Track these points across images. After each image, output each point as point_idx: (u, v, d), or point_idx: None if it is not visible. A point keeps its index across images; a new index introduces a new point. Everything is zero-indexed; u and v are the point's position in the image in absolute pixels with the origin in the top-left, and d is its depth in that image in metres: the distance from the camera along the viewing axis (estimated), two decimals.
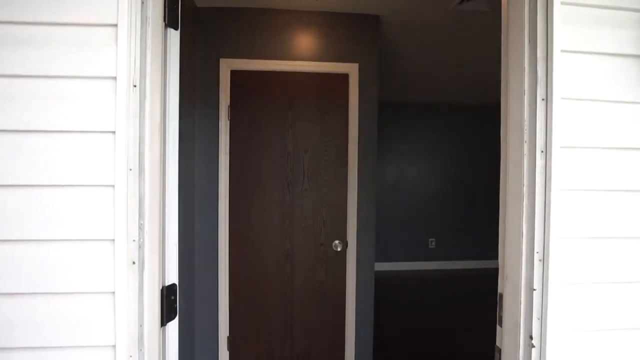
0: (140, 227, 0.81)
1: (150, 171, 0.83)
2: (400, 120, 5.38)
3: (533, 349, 0.89)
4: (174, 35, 0.97)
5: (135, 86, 0.80)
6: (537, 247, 0.89)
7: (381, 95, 4.79)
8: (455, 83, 4.26)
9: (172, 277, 1.00)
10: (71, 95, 0.78)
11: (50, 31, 0.78)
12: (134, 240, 0.80)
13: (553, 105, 0.87)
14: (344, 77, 2.34)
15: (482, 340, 3.12)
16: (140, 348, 0.82)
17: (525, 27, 0.91)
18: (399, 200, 5.37)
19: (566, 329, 0.89)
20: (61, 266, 0.78)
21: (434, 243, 5.43)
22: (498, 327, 1.05)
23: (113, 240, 0.79)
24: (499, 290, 1.06)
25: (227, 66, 2.29)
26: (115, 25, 0.78)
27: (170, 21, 0.93)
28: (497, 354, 1.06)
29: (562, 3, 0.88)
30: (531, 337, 0.90)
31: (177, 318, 1.01)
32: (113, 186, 0.79)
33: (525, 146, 0.91)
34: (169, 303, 0.97)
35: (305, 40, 2.35)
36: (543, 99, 0.89)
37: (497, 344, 1.06)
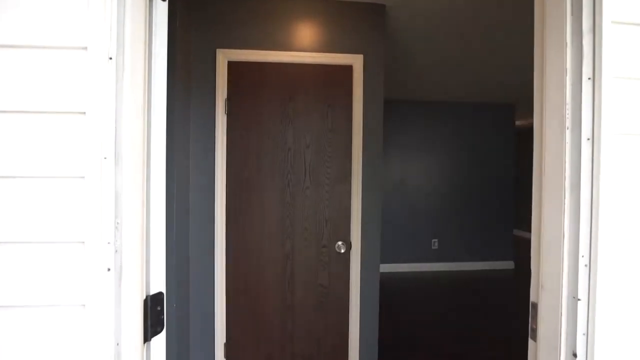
0: (117, 227, 0.68)
1: (130, 161, 0.70)
2: (402, 118, 5.26)
3: None
4: (161, 6, 0.84)
5: (111, 59, 0.67)
6: (583, 250, 0.77)
7: (385, 92, 4.67)
8: (463, 80, 4.13)
9: (159, 285, 0.87)
10: (32, 68, 0.65)
11: None
12: (108, 243, 0.67)
13: (602, 85, 0.75)
14: (348, 69, 2.21)
15: (492, 347, 3.01)
16: None
17: None
18: (401, 200, 5.25)
19: (618, 346, 0.77)
20: (18, 275, 0.65)
21: (437, 244, 5.31)
22: (531, 341, 0.92)
23: (83, 242, 0.65)
24: (532, 299, 0.93)
25: (224, 57, 2.16)
26: None
27: None
28: None
29: None
30: (575, 355, 0.77)
31: (164, 331, 0.88)
32: (83, 177, 0.66)
33: (567, 134, 0.78)
34: (155, 315, 0.84)
35: (306, 30, 2.22)
36: (589, 78, 0.77)
37: None
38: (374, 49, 2.26)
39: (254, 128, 2.18)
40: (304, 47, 2.21)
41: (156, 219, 0.86)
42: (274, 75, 2.19)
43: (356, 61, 2.22)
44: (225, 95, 2.17)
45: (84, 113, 0.65)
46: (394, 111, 5.22)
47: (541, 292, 0.87)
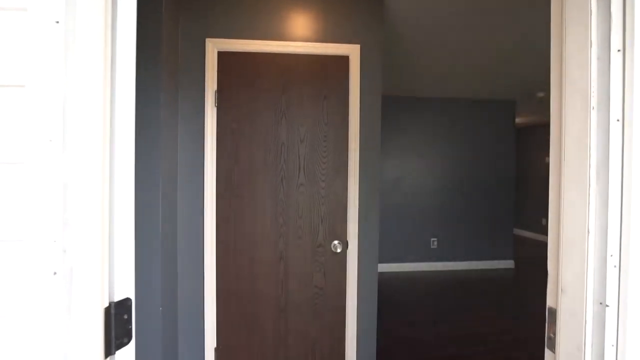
0: (66, 223, 0.57)
1: (83, 145, 0.60)
2: (401, 114, 5.17)
3: None
4: None
5: (58, 22, 0.57)
6: (611, 248, 0.67)
7: (383, 88, 4.59)
8: (463, 75, 4.04)
9: (126, 290, 0.76)
10: None
11: None
12: (54, 242, 0.56)
13: (635, 58, 0.65)
14: (344, 60, 2.11)
15: (495, 350, 2.92)
16: None
17: None
18: (399, 199, 5.15)
19: None
20: None
21: (435, 243, 5.22)
22: (548, 351, 0.82)
23: (21, 240, 0.55)
24: (549, 304, 0.82)
25: (214, 47, 2.06)
26: None
27: None
28: None
29: None
30: None
31: (133, 342, 0.78)
32: (22, 163, 0.55)
33: (593, 115, 0.68)
34: (120, 324, 0.74)
35: (300, 19, 2.12)
36: (619, 50, 0.67)
37: None
38: (372, 39, 2.15)
39: (246, 121, 2.07)
40: (298, 36, 2.11)
41: (122, 215, 0.75)
42: (267, 66, 2.08)
43: (353, 51, 2.12)
44: (215, 87, 2.06)
45: (23, 86, 0.55)
46: (392, 108, 5.12)
47: (561, 296, 0.77)
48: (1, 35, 0.55)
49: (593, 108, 0.68)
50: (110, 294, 0.72)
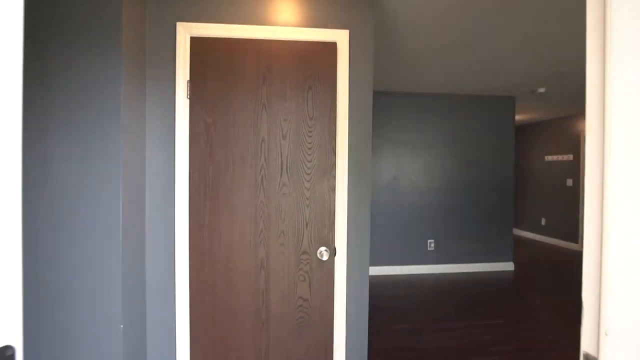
0: None
1: None
2: (395, 111, 4.96)
3: None
4: None
5: None
6: None
7: (376, 82, 4.38)
8: (461, 70, 3.83)
9: (6, 336, 0.55)
10: None
11: None
12: None
13: None
14: (332, 47, 1.90)
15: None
16: None
17: None
18: (394, 199, 4.96)
19: None
20: None
21: (433, 245, 5.02)
22: None
23: None
24: (585, 349, 0.62)
25: (186, 32, 1.84)
26: None
27: None
28: None
29: None
30: None
31: None
32: None
33: None
34: None
35: (282, 1, 1.90)
36: None
37: None
38: (362, 23, 1.94)
39: (221, 115, 1.86)
40: (281, 21, 1.90)
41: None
42: (245, 54, 1.87)
43: (341, 37, 1.91)
44: (187, 77, 1.84)
45: None
46: (386, 103, 4.92)
47: (604, 340, 0.56)
48: None
49: None
50: None
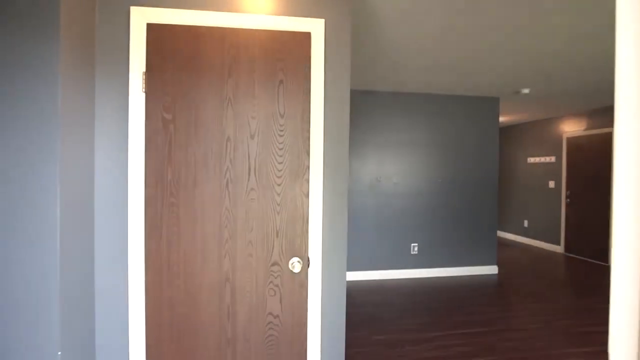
0: None
1: None
2: (379, 112, 4.83)
3: None
4: None
5: None
6: None
7: (356, 81, 4.22)
8: (444, 69, 3.71)
9: None
10: None
11: None
12: None
13: None
14: (305, 37, 1.73)
15: None
16: None
17: None
18: (376, 201, 4.82)
19: None
20: None
21: (416, 249, 4.90)
22: None
23: None
24: None
25: (141, 18, 1.64)
26: None
27: None
28: None
29: None
30: None
31: None
32: None
33: None
34: None
35: None
36: None
37: None
38: (339, 12, 1.78)
39: (182, 111, 1.66)
40: (249, 7, 1.71)
41: None
42: (209, 43, 1.68)
43: (316, 27, 1.74)
44: (143, 68, 1.64)
45: None
46: (369, 103, 4.78)
47: None
48: None
49: None
50: None
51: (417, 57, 3.39)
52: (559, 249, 6.51)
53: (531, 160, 7.18)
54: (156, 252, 1.66)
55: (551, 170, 6.71)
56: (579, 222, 6.10)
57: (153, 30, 1.65)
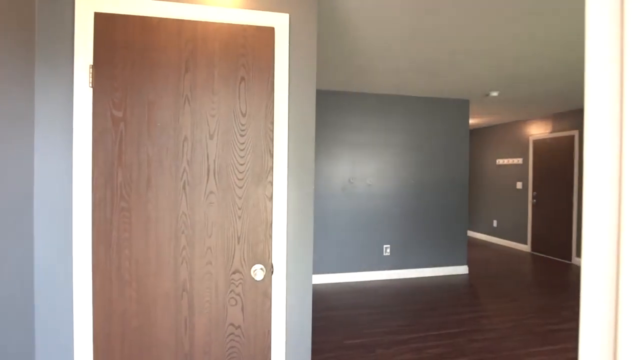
0: None
1: None
2: (351, 113, 4.79)
3: None
4: None
5: None
6: None
7: (325, 82, 4.16)
8: (414, 70, 3.71)
9: None
10: None
11: None
12: None
13: None
14: (269, 32, 1.64)
15: None
16: None
17: None
18: (348, 203, 4.78)
19: None
20: None
21: (388, 250, 4.90)
22: None
23: None
24: None
25: (88, 6, 1.51)
26: None
27: None
28: None
29: None
30: None
31: None
32: None
33: None
34: None
35: None
36: None
37: None
38: (305, 7, 1.70)
39: (134, 108, 1.54)
40: None
41: None
42: (165, 36, 1.56)
43: (280, 22, 1.65)
44: (90, 61, 1.51)
45: None
46: (341, 103, 4.74)
47: None
48: None
49: None
50: None
51: (386, 59, 3.37)
52: (526, 248, 6.69)
53: (500, 162, 7.37)
54: (105, 260, 1.53)
55: (518, 172, 6.90)
56: (545, 222, 6.29)
57: (101, 19, 1.52)
